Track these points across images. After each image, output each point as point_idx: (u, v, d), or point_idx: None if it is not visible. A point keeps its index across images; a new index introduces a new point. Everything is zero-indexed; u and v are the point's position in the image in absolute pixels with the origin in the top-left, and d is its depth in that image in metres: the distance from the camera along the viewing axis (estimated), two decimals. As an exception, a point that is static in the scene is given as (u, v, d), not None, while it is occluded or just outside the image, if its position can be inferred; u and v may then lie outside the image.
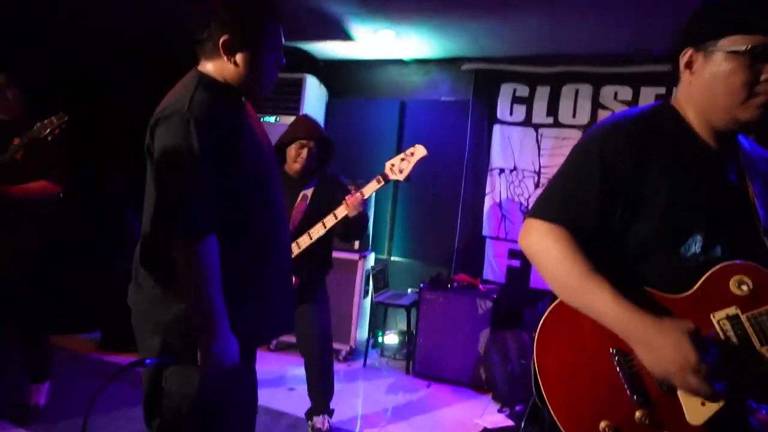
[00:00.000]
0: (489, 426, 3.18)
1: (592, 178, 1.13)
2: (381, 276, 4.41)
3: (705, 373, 0.98)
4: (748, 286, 1.05)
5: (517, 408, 3.28)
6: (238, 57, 1.43)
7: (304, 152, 2.71)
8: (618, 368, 1.09)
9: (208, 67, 1.46)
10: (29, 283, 2.73)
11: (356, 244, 4.22)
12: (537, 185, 4.31)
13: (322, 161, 2.86)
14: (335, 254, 3.04)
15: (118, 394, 2.26)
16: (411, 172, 2.60)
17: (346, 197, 2.61)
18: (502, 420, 3.29)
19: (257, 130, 1.55)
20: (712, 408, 1.03)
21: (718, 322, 1.06)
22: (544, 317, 1.17)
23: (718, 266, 1.08)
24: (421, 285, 3.99)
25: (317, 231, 2.66)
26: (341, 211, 2.63)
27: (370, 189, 2.64)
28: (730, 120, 1.11)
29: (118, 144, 4.47)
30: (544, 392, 1.13)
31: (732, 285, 1.06)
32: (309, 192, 2.79)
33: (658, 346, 1.01)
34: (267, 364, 3.94)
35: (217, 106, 1.38)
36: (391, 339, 4.53)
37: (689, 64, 1.15)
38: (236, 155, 1.40)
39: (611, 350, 1.10)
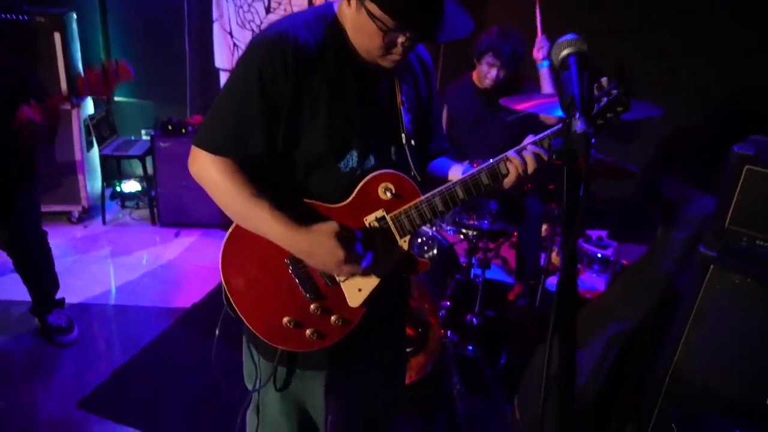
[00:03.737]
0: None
1: (254, 108, 1.12)
2: (104, 124, 3.93)
3: (354, 260, 1.18)
4: (391, 191, 1.22)
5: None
6: None
7: None
8: (292, 274, 1.23)
9: None
10: None
11: (63, 88, 3.59)
12: (268, 10, 4.04)
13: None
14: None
15: None
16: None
17: None
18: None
19: None
20: (366, 292, 1.26)
21: (369, 224, 1.23)
22: (225, 240, 1.24)
23: (368, 177, 1.21)
24: (152, 132, 3.69)
25: None
26: None
27: None
28: (372, 60, 1.17)
29: None
30: (235, 305, 1.25)
31: (380, 191, 1.22)
32: None
33: (314, 251, 1.17)
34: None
35: None
36: (131, 186, 4.25)
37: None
38: None
39: (285, 260, 1.22)
